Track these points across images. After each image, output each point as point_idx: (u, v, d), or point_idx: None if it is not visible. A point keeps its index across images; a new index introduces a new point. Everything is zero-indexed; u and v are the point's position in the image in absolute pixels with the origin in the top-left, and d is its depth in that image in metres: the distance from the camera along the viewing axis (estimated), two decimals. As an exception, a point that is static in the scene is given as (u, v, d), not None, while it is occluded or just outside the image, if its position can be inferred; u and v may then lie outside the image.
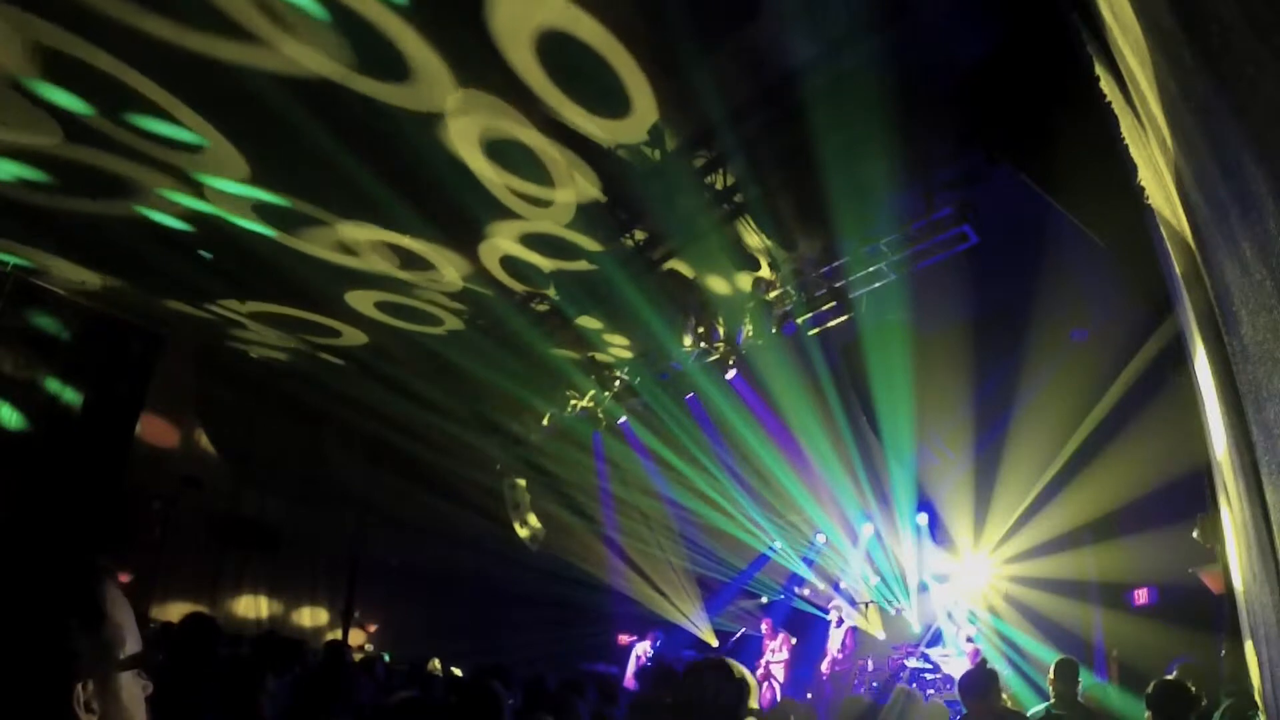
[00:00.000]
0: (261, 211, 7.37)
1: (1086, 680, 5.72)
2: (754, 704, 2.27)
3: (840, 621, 10.56)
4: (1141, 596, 8.74)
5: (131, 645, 1.02)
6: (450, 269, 8.26)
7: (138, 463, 10.06)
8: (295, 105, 5.77)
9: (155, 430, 10.72)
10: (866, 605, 11.68)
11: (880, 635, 11.63)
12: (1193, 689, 3.96)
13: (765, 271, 8.02)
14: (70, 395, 9.45)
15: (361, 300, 9.12)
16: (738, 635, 12.61)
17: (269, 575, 11.81)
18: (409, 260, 8.11)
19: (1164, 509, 7.33)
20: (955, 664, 9.49)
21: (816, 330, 8.00)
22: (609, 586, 13.55)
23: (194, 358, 11.04)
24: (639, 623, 13.05)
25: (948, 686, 9.21)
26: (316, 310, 9.46)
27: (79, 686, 0.94)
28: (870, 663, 10.72)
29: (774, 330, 8.07)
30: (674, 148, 6.47)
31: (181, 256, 8.17)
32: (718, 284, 8.41)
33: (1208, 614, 6.46)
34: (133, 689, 1.01)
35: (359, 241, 7.76)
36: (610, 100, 5.88)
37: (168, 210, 7.44)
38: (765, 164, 6.37)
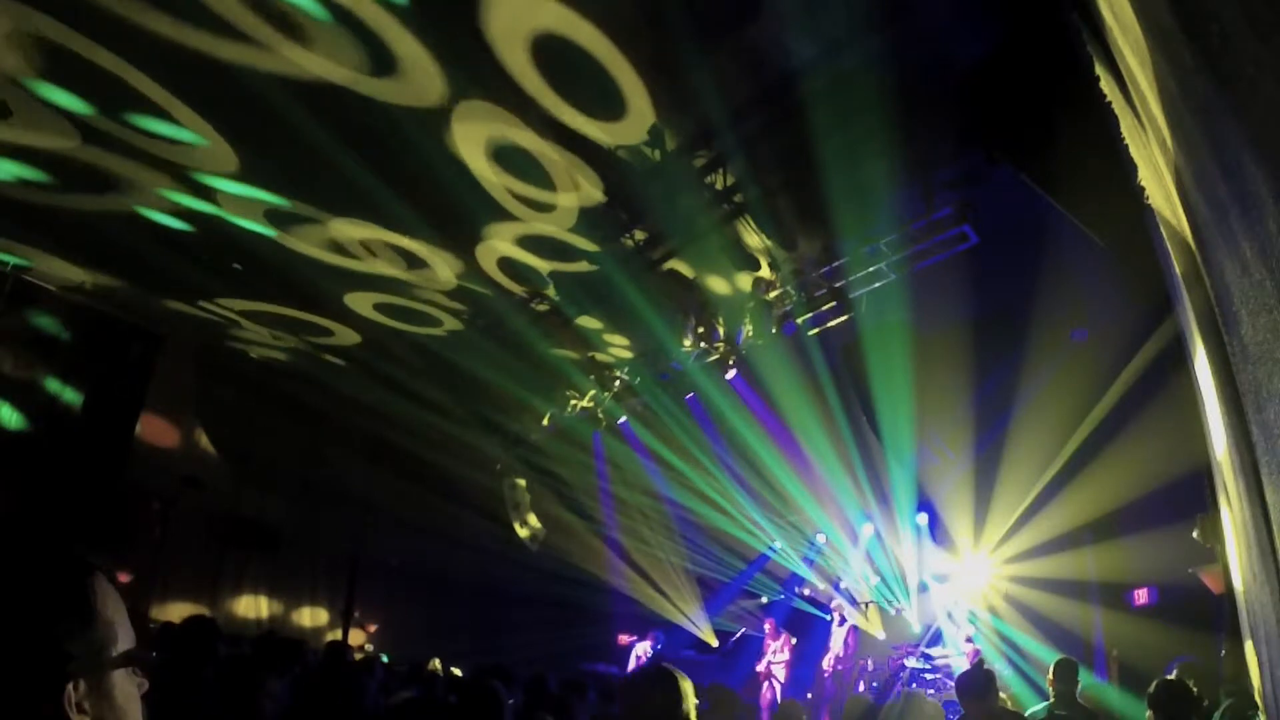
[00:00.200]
0: (259, 211, 7.36)
1: (1086, 680, 5.71)
2: (690, 708, 2.28)
3: (842, 620, 10.56)
4: (1141, 596, 8.74)
5: (124, 643, 1.00)
6: (445, 268, 8.26)
7: (137, 463, 10.06)
8: (294, 104, 5.77)
9: (155, 430, 10.72)
10: (866, 605, 11.68)
11: (880, 635, 11.63)
12: (1194, 689, 3.96)
13: (765, 271, 8.02)
14: (70, 395, 9.45)
15: (360, 302, 9.12)
16: (738, 635, 12.62)
17: (269, 575, 11.81)
18: (404, 258, 8.10)
19: (1164, 509, 7.32)
20: (955, 664, 9.49)
21: (816, 330, 8.00)
22: (609, 586, 13.55)
23: (194, 358, 11.04)
24: (639, 623, 13.06)
25: (947, 686, 9.21)
26: (310, 309, 9.46)
27: (70, 686, 0.93)
28: (870, 663, 10.72)
29: (774, 330, 8.07)
30: (674, 148, 6.47)
31: (181, 256, 8.17)
32: (718, 284, 8.41)
33: (1208, 614, 6.46)
34: (126, 687, 1.00)
35: (352, 239, 7.75)
36: (609, 102, 5.89)
37: (167, 210, 7.44)
38: (765, 164, 6.37)
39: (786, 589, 13.21)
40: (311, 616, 12.28)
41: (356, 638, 11.95)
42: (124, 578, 9.27)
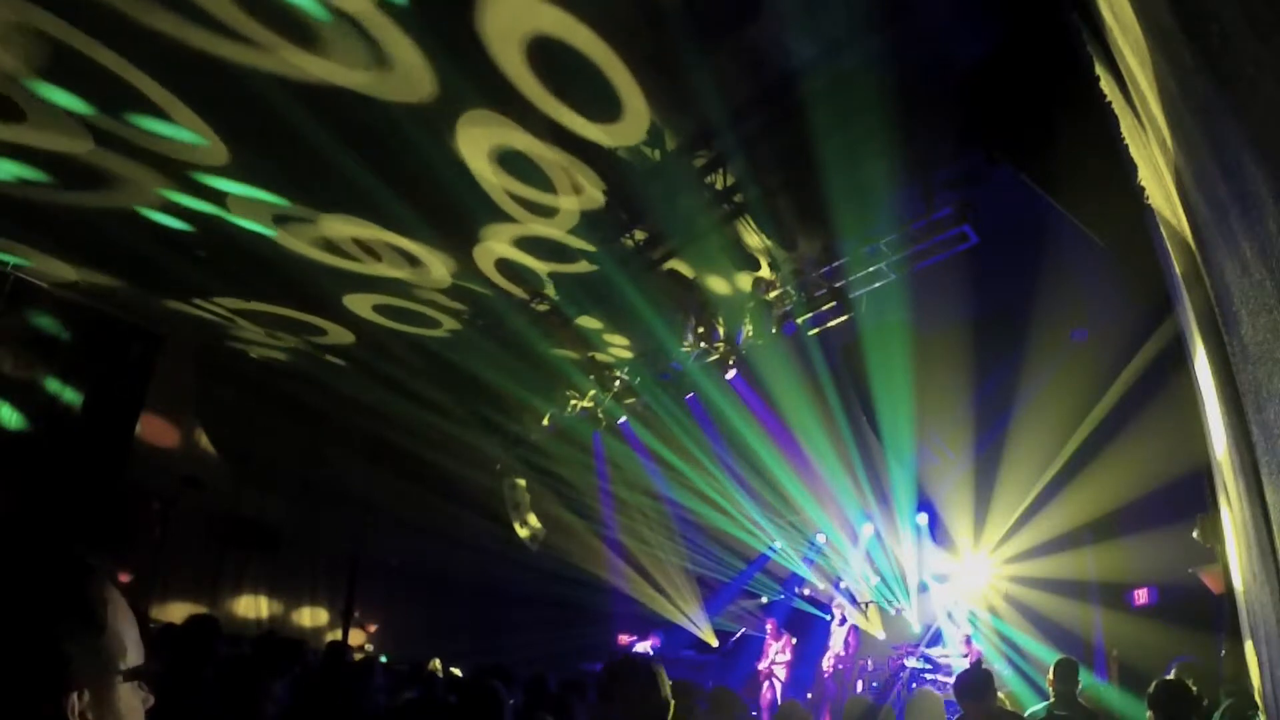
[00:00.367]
0: (257, 210, 7.36)
1: (1086, 680, 5.71)
2: (667, 693, 2.30)
3: (843, 620, 10.56)
4: (1141, 596, 8.74)
5: (133, 655, 0.98)
6: (442, 269, 8.25)
7: (137, 463, 10.06)
8: (293, 104, 5.76)
9: (155, 430, 10.72)
10: (866, 605, 11.68)
11: (880, 635, 11.63)
12: (1194, 688, 3.96)
13: (765, 271, 8.02)
14: (70, 395, 9.45)
15: (359, 303, 9.12)
16: (738, 635, 12.62)
17: (269, 575, 11.81)
18: (402, 258, 8.09)
19: (1164, 509, 7.33)
20: (955, 664, 9.49)
21: (816, 330, 8.00)
22: (609, 586, 13.55)
23: (194, 358, 11.04)
24: (639, 623, 13.06)
25: (947, 687, 9.20)
26: (309, 310, 9.46)
27: (73, 696, 0.91)
28: (870, 662, 10.72)
29: (774, 330, 8.07)
30: (674, 148, 6.47)
31: (180, 256, 8.17)
32: (718, 284, 8.41)
33: (1208, 614, 6.46)
34: (131, 700, 0.98)
35: (348, 238, 7.74)
36: (608, 103, 5.89)
37: (167, 209, 7.44)
38: (765, 164, 6.37)
39: (787, 589, 13.22)
40: (311, 616, 12.28)
41: (356, 638, 11.94)
42: (124, 578, 9.26)
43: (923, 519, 10.97)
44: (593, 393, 10.29)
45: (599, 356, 10.10)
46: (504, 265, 8.22)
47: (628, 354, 10.13)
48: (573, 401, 10.72)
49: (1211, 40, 1.41)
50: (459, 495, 12.51)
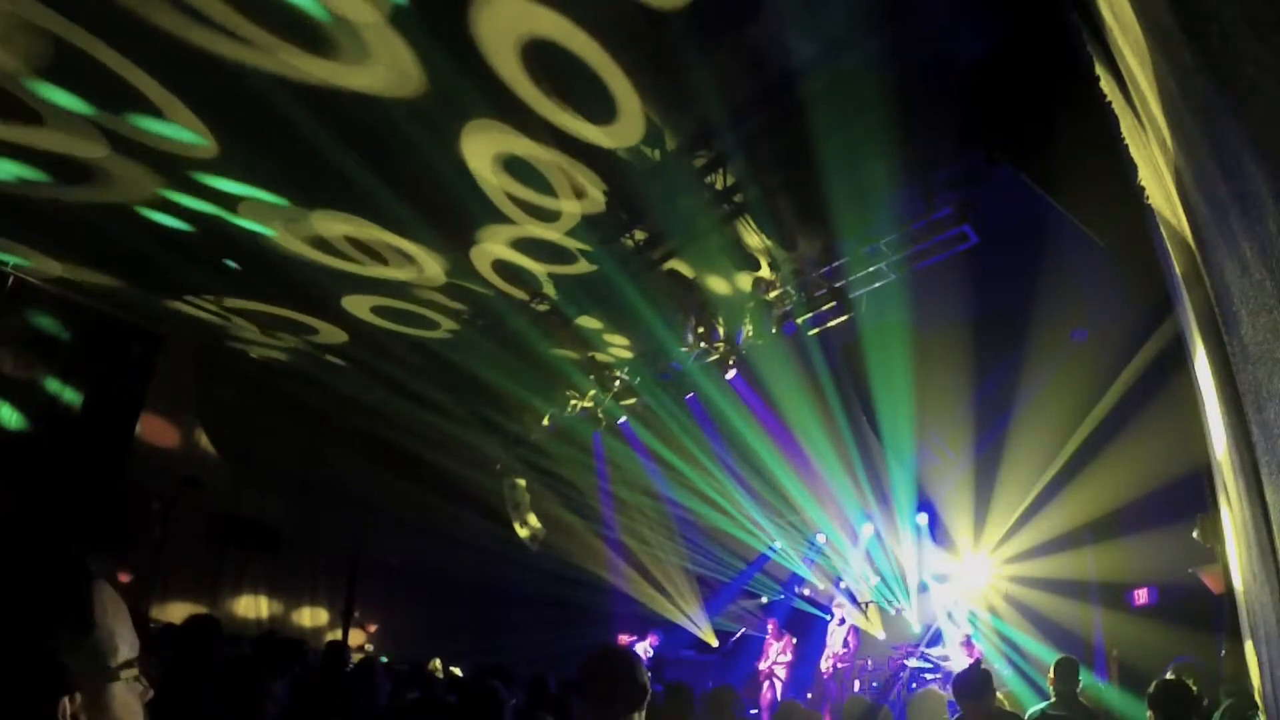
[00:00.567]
0: (255, 209, 7.35)
1: (1085, 680, 5.71)
2: (645, 681, 2.32)
3: (842, 621, 10.56)
4: (1141, 596, 8.73)
5: (125, 651, 0.97)
6: (438, 269, 8.24)
7: (137, 463, 10.05)
8: (292, 103, 5.76)
9: (155, 430, 10.72)
10: (866, 605, 11.68)
11: (880, 635, 11.63)
12: (1194, 688, 3.96)
13: (765, 271, 8.02)
14: (70, 395, 9.45)
15: (358, 304, 9.12)
16: (738, 635, 12.61)
17: (269, 575, 11.81)
18: (401, 258, 8.09)
19: (1164, 509, 7.33)
20: (955, 664, 9.49)
21: (816, 330, 8.00)
22: (609, 586, 13.55)
23: (194, 358, 11.03)
24: (639, 622, 13.05)
25: (947, 687, 9.20)
26: (307, 310, 9.45)
27: (65, 700, 0.89)
28: (870, 662, 10.72)
29: (774, 330, 8.07)
30: (674, 148, 6.47)
31: (180, 256, 8.17)
32: (718, 284, 8.41)
33: (1208, 614, 6.46)
34: (127, 697, 0.96)
35: (346, 236, 7.73)
36: (608, 104, 5.88)
37: (166, 209, 7.44)
38: (765, 164, 6.37)
39: (787, 589, 13.22)
40: (311, 616, 12.28)
41: (356, 638, 11.95)
42: (124, 578, 9.26)
43: (923, 519, 10.96)
44: (593, 393, 10.29)
45: (599, 356, 10.10)
46: (502, 266, 8.21)
47: (628, 354, 10.13)
48: (573, 401, 10.72)
49: (1211, 40, 1.41)
50: (459, 495, 12.51)
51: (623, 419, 10.49)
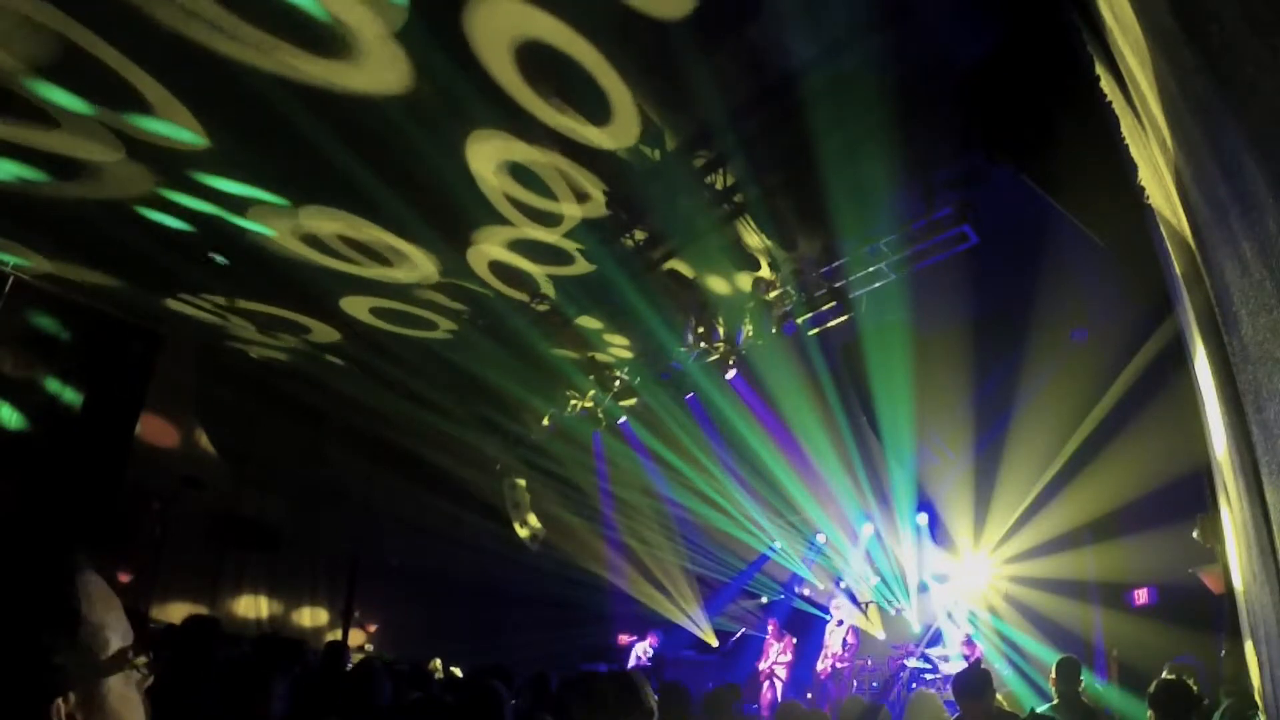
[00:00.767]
0: (251, 207, 7.34)
1: (1085, 680, 5.72)
2: (653, 704, 2.32)
3: (840, 621, 10.56)
4: (1141, 596, 8.74)
5: (117, 642, 0.94)
6: (430, 266, 8.23)
7: (137, 463, 10.04)
8: (290, 102, 5.75)
9: (155, 430, 10.72)
10: (866, 605, 11.68)
11: (880, 635, 11.63)
12: (1194, 688, 3.96)
13: (765, 271, 8.02)
14: (70, 395, 9.44)
15: (357, 305, 9.11)
16: (738, 635, 12.62)
17: (269, 575, 11.80)
18: (399, 258, 8.09)
19: (1164, 509, 7.33)
20: (955, 664, 9.50)
21: (816, 330, 8.00)
22: (609, 586, 13.55)
23: (194, 358, 11.03)
24: (639, 622, 13.05)
25: (947, 686, 9.21)
26: (306, 311, 9.44)
27: (58, 701, 0.86)
28: (870, 662, 10.72)
29: (774, 330, 8.07)
30: (674, 148, 6.46)
31: (180, 256, 8.17)
32: (718, 284, 8.41)
33: (1208, 614, 6.47)
34: (123, 689, 0.93)
35: (342, 236, 7.72)
36: (606, 105, 5.88)
37: (166, 209, 7.43)
38: (765, 164, 6.37)
39: (786, 589, 13.22)
40: (311, 616, 12.28)
41: (356, 638, 11.96)
42: (124, 578, 9.27)
43: (923, 519, 10.97)
44: (593, 393, 10.29)
45: (599, 356, 10.10)
46: (499, 267, 8.21)
47: (628, 354, 10.13)
48: (573, 401, 10.72)
49: (1211, 40, 1.41)
50: (459, 495, 12.51)
51: (623, 419, 10.49)
